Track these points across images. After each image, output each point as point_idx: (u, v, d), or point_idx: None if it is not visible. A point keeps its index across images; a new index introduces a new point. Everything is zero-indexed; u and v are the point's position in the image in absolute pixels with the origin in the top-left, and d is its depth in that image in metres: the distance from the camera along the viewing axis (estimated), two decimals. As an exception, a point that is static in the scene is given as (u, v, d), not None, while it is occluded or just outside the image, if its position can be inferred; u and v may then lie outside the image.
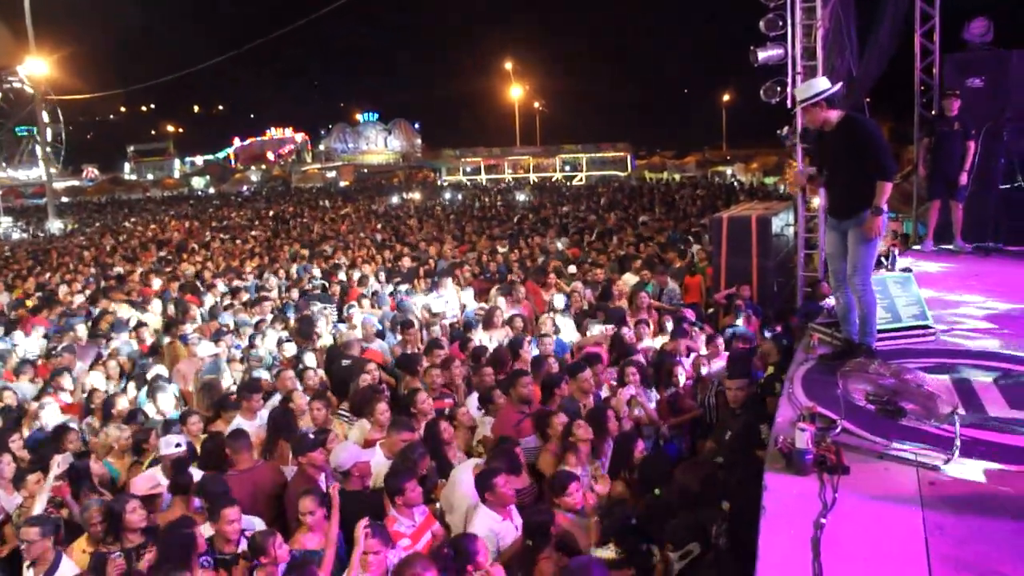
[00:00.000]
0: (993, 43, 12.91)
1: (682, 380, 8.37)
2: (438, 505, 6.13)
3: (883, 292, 7.12)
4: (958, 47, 13.28)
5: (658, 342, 9.57)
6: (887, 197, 5.87)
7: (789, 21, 11.50)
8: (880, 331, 6.87)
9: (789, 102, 11.61)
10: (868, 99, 13.65)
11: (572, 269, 14.66)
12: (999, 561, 3.55)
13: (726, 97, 70.13)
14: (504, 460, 5.85)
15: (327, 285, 14.79)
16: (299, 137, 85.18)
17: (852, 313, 6.33)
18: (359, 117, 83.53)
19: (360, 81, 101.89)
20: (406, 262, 17.11)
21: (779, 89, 11.70)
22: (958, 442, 4.44)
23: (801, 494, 4.13)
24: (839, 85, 6.19)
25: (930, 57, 13.60)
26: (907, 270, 9.72)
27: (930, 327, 7.07)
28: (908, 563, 3.54)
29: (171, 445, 6.56)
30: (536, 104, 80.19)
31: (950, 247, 11.08)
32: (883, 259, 10.90)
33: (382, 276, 15.16)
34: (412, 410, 7.15)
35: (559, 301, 11.12)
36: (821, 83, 6.13)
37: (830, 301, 7.86)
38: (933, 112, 12.30)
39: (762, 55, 11.65)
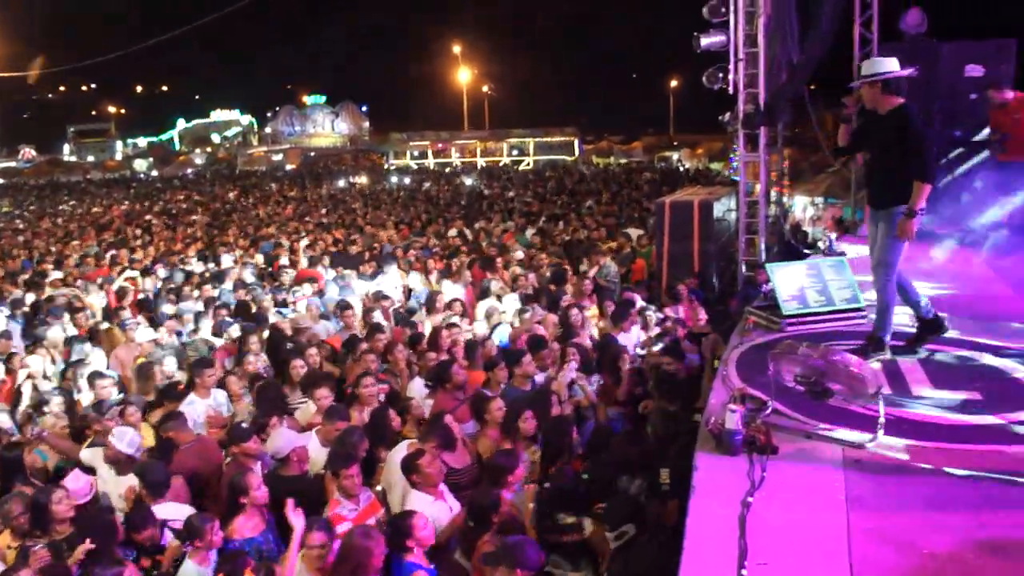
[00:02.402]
0: (927, 34, 13.23)
1: (626, 364, 8.43)
2: (380, 488, 6.15)
3: (817, 276, 7.29)
4: (895, 37, 13.58)
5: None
6: (924, 200, 5.66)
7: (732, 8, 11.61)
8: (814, 313, 7.08)
9: (731, 88, 11.78)
10: (813, 86, 13.90)
11: (519, 255, 14.72)
12: (915, 532, 3.68)
13: (674, 83, 70.58)
14: (436, 436, 5.89)
15: (270, 269, 14.66)
16: (245, 119, 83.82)
17: (906, 293, 6.26)
18: (306, 100, 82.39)
19: (308, 63, 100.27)
20: (352, 247, 17.01)
21: (721, 75, 11.84)
22: (882, 420, 4.59)
23: (730, 474, 4.24)
24: (908, 71, 5.91)
25: (868, 46, 13.91)
26: (842, 254, 9.99)
27: (862, 310, 7.26)
28: (829, 537, 3.65)
29: (124, 440, 6.30)
30: (485, 88, 79.97)
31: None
32: (820, 244, 11.19)
33: (327, 261, 15.05)
34: (357, 393, 7.16)
35: (494, 285, 11.17)
36: (887, 64, 5.89)
37: (769, 284, 8.00)
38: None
39: (705, 41, 11.78)
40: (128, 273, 14.67)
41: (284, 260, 15.44)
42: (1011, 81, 11.60)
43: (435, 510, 5.43)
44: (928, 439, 4.64)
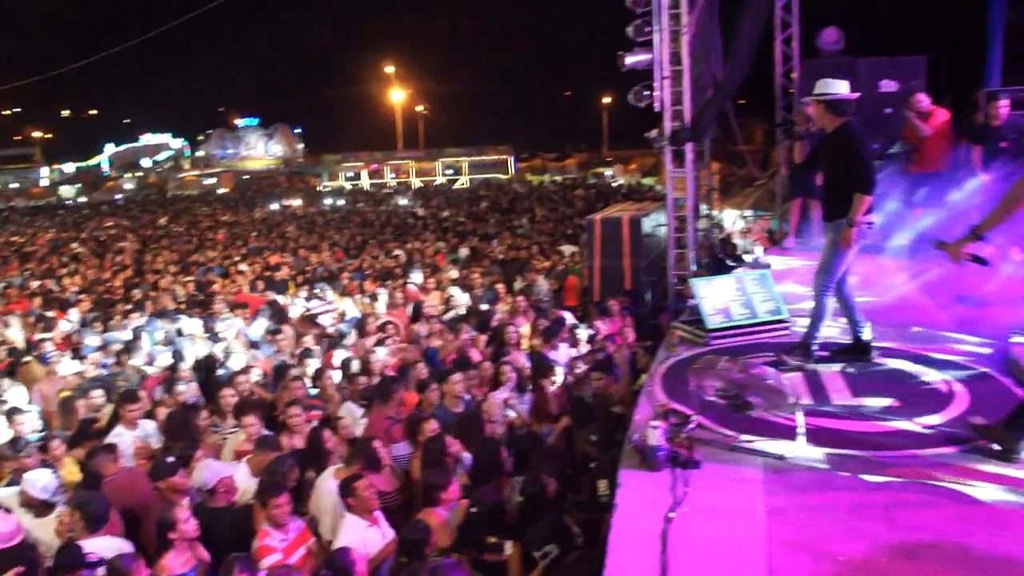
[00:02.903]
0: (845, 51, 13.64)
1: (558, 381, 8.46)
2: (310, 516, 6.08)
3: (741, 290, 7.44)
4: (814, 54, 13.99)
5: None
6: (864, 210, 5.93)
7: (656, 27, 11.75)
8: (738, 326, 7.21)
9: (656, 105, 11.92)
10: (743, 101, 14.22)
11: (453, 274, 14.73)
12: (832, 540, 3.77)
13: (606, 99, 71.33)
14: (361, 458, 5.85)
15: (201, 296, 14.41)
16: (176, 143, 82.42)
17: (851, 312, 6.42)
18: (239, 122, 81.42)
19: (240, 85, 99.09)
20: (284, 271, 16.83)
21: (647, 93, 11.97)
22: (802, 431, 4.69)
23: (653, 489, 4.28)
24: (854, 96, 6.24)
25: (790, 63, 14.29)
26: (766, 266, 10.19)
27: (785, 321, 7.42)
28: (749, 549, 3.71)
29: (38, 485, 5.96)
30: (419, 108, 79.99)
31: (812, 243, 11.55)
32: (746, 256, 11.40)
33: (261, 286, 14.86)
34: (285, 422, 7.09)
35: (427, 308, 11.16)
36: (834, 86, 6.17)
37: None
38: (793, 116, 12.87)
39: (630, 60, 11.87)
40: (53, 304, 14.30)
41: (216, 287, 15.20)
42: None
43: (369, 535, 5.40)
44: (846, 447, 4.76)
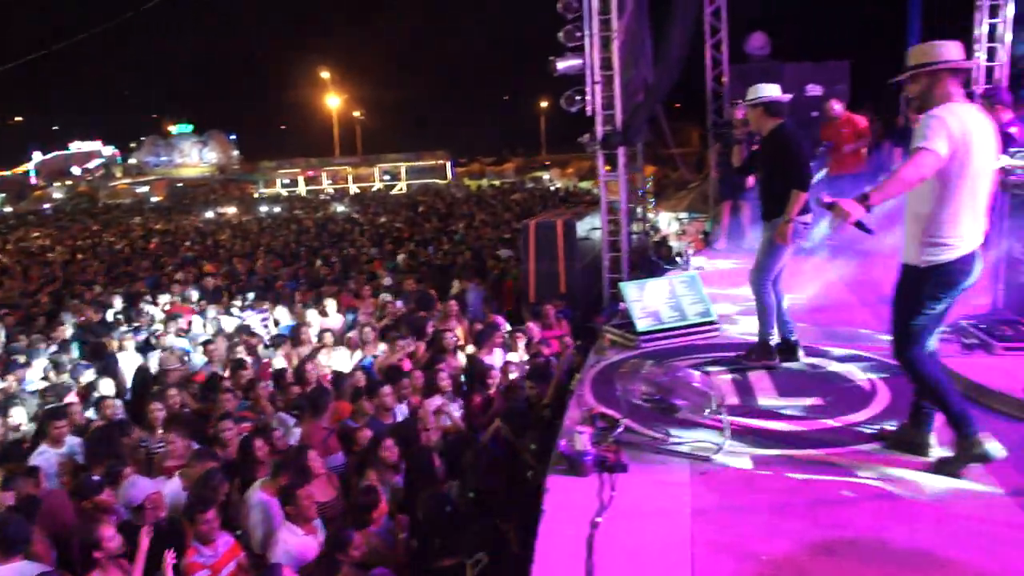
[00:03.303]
0: (771, 56, 13.93)
1: (493, 385, 8.46)
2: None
3: (670, 293, 7.52)
4: (742, 59, 14.24)
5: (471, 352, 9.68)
6: (799, 206, 6.01)
7: (587, 32, 11.82)
8: (668, 329, 7.29)
9: (588, 110, 11.99)
10: (679, 105, 14.41)
11: (387, 281, 14.66)
12: (755, 539, 3.82)
13: (544, 103, 71.61)
14: (290, 469, 5.79)
15: (131, 308, 14.09)
16: (107, 150, 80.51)
17: (781, 313, 6.47)
18: (172, 129, 79.93)
19: (173, 91, 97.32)
20: (216, 280, 16.55)
21: (578, 98, 12.03)
22: (727, 432, 4.76)
23: (580, 495, 4.30)
24: (786, 96, 6.38)
25: (719, 68, 14.52)
26: (699, 268, 10.33)
27: (715, 323, 7.53)
28: (673, 551, 3.75)
29: None
30: (356, 113, 79.49)
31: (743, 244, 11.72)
32: (678, 258, 11.53)
33: (195, 296, 14.59)
34: (216, 435, 6.98)
35: (362, 316, 11.07)
36: (766, 89, 6.31)
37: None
38: (723, 119, 13.09)
39: (561, 65, 11.91)
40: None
41: (148, 297, 14.86)
42: (846, 98, 12.35)
43: (303, 544, 5.36)
44: (771, 447, 4.84)
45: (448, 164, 63.59)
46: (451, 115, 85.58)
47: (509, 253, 15.76)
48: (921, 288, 4.31)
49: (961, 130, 4.09)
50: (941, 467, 4.38)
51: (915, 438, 4.64)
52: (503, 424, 6.45)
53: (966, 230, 4.24)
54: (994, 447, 4.19)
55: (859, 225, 4.11)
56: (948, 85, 4.25)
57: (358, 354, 9.87)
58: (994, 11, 12.04)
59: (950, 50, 4.26)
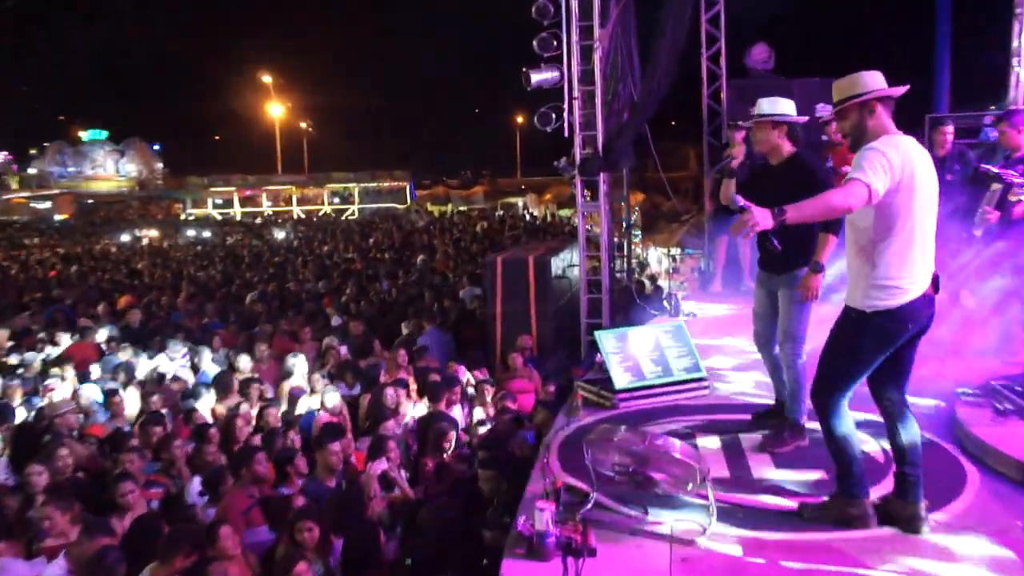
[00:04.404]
0: (775, 70, 14.06)
1: (452, 446, 8.34)
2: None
3: (654, 346, 7.48)
4: (741, 73, 14.35)
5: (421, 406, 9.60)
6: (828, 254, 5.72)
7: (565, 41, 11.80)
8: (651, 386, 7.23)
9: (566, 130, 11.99)
10: (674, 122, 14.48)
11: (336, 320, 14.54)
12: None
13: (520, 119, 71.77)
14: (192, 550, 5.64)
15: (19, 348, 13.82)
16: (1, 156, 79.42)
17: (780, 372, 6.26)
18: (83, 135, 78.96)
19: (84, 93, 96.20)
20: (132, 316, 16.31)
21: (554, 116, 12.00)
22: (712, 511, 4.70)
23: (540, 583, 4.23)
24: (803, 119, 6.09)
25: (717, 82, 14.59)
26: (690, 315, 10.33)
27: (704, 379, 7.49)
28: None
29: None
30: (303, 124, 79.56)
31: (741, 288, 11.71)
32: (666, 303, 11.52)
33: (102, 335, 14.36)
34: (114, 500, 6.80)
35: (300, 363, 10.95)
36: (783, 105, 6.00)
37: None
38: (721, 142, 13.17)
39: (536, 78, 11.83)
40: None
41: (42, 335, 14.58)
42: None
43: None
44: (764, 529, 4.78)
45: (408, 186, 63.78)
46: (413, 130, 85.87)
47: (476, 291, 15.70)
48: (861, 335, 4.45)
49: (904, 164, 4.22)
50: (805, 509, 4.87)
51: (904, 510, 4.67)
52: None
53: (917, 271, 4.38)
54: (869, 520, 4.62)
55: (764, 235, 4.21)
56: (881, 116, 4.42)
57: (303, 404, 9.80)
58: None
59: (876, 79, 4.43)
